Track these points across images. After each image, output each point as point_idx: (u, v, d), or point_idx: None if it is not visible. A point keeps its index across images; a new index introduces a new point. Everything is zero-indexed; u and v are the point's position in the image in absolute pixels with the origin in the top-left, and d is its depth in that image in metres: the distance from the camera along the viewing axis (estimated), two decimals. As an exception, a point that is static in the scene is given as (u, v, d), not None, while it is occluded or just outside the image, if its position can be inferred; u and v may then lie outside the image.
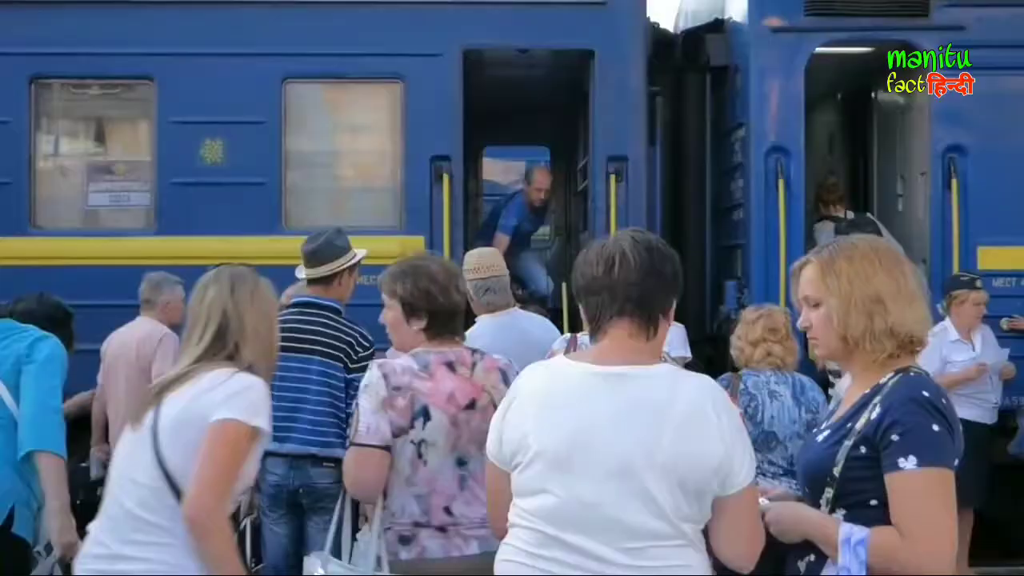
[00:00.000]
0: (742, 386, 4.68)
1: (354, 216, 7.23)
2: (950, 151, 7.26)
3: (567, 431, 2.35)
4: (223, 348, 2.90)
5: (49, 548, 3.43)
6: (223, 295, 2.92)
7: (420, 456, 3.19)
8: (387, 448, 3.17)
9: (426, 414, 3.19)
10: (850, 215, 8.04)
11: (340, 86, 7.36)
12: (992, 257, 7.20)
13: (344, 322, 4.80)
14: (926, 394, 2.39)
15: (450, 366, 3.28)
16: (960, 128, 7.28)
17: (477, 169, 9.86)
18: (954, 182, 7.22)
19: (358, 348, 4.71)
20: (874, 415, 2.41)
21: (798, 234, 7.18)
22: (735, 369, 4.91)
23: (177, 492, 2.72)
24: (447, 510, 3.23)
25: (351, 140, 7.59)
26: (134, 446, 2.82)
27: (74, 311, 4.05)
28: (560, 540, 2.34)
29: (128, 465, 2.82)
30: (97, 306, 6.28)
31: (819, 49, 7.33)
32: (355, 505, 4.75)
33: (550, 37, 7.28)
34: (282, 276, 5.17)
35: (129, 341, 6.01)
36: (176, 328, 6.10)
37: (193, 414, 2.77)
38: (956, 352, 6.61)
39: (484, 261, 5.04)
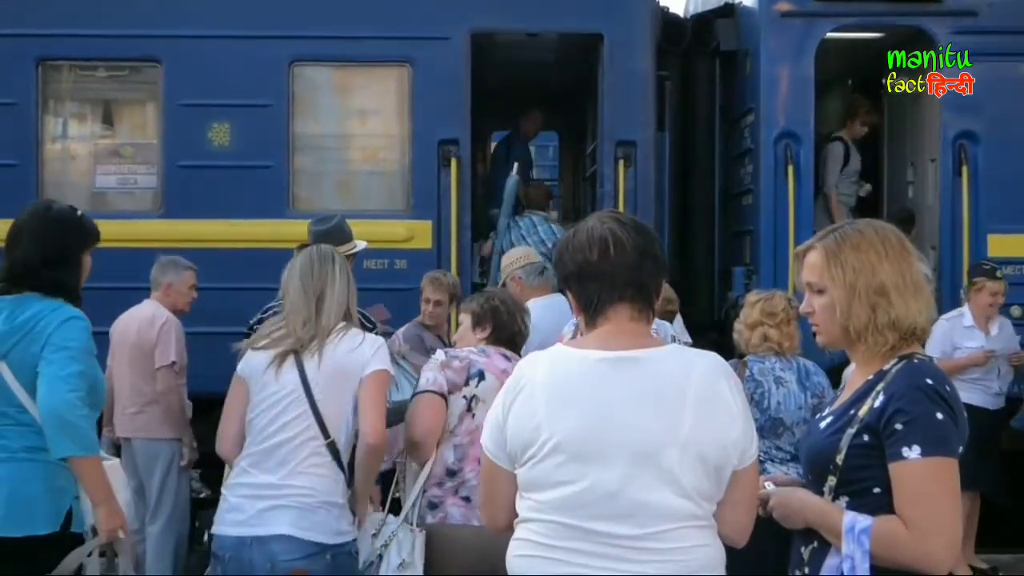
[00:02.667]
0: (748, 372, 4.66)
1: (361, 200, 7.23)
2: (960, 138, 7.22)
3: (585, 420, 2.31)
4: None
5: (94, 530, 3.43)
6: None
7: (469, 410, 3.65)
8: (443, 396, 3.63)
9: (481, 375, 3.69)
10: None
11: (347, 69, 7.34)
12: (1002, 244, 7.17)
13: None
14: (930, 382, 2.37)
15: (505, 356, 3.81)
16: (971, 115, 7.23)
17: (485, 153, 9.83)
18: (964, 169, 7.18)
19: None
20: (877, 403, 2.39)
21: (807, 220, 7.15)
22: (741, 355, 4.89)
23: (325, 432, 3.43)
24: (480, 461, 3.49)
25: (358, 123, 7.57)
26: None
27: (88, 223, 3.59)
28: (583, 529, 2.30)
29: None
30: (104, 289, 6.28)
31: (829, 34, 7.29)
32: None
33: (559, 20, 7.25)
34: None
35: (131, 323, 6.02)
36: (180, 313, 6.10)
37: (348, 369, 3.46)
38: (967, 338, 6.61)
39: (528, 251, 5.75)
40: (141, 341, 5.96)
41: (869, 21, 7.60)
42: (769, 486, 2.57)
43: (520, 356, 3.79)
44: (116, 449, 6.13)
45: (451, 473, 3.62)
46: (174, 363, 5.96)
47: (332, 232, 4.89)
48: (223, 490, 3.53)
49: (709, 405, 2.32)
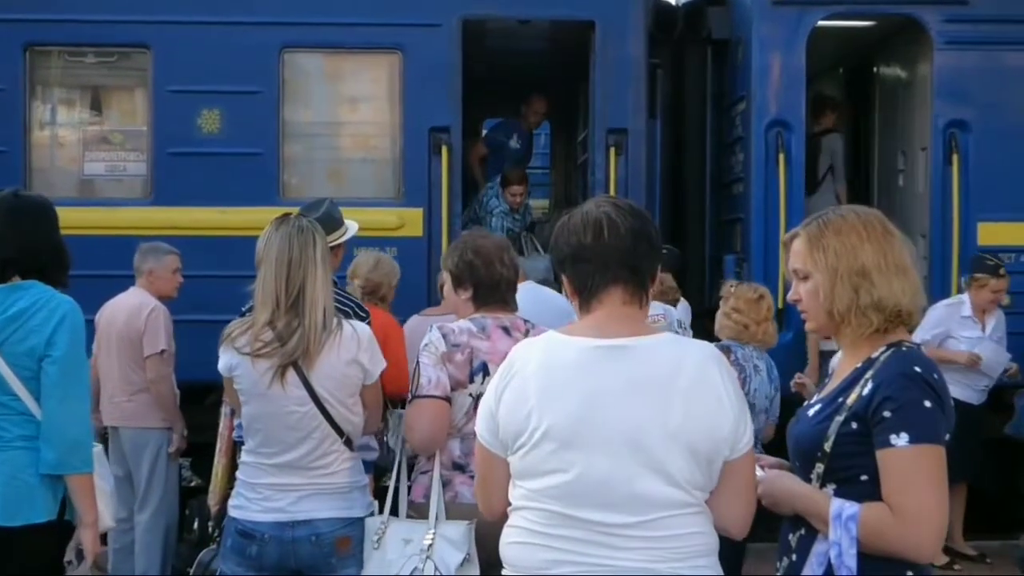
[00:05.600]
0: (732, 357, 4.78)
1: (352, 187, 7.21)
2: (951, 126, 7.23)
3: (575, 408, 2.31)
4: None
5: (80, 556, 3.42)
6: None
7: (477, 407, 3.43)
8: (447, 399, 3.42)
9: (485, 370, 3.45)
10: None
11: (338, 56, 7.30)
12: (992, 233, 7.19)
13: (341, 291, 4.77)
14: (918, 369, 2.37)
15: (505, 330, 3.55)
16: (962, 103, 7.25)
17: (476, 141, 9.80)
18: (955, 157, 7.19)
19: (354, 319, 4.69)
20: (866, 390, 2.39)
21: (798, 208, 7.15)
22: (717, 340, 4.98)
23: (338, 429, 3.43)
24: None
25: (349, 111, 7.54)
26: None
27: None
28: (573, 517, 2.31)
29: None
30: (92, 276, 6.25)
31: (821, 23, 7.28)
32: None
33: (550, 8, 7.23)
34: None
35: (118, 311, 6.00)
36: (166, 299, 6.08)
37: (352, 380, 3.45)
38: (964, 328, 6.63)
39: None
40: (129, 330, 5.93)
41: (860, 9, 7.60)
42: (759, 471, 2.57)
43: (516, 309, 3.69)
44: (102, 437, 6.12)
45: (458, 466, 3.51)
46: (164, 351, 5.94)
47: (323, 221, 4.81)
48: (244, 479, 3.51)
49: (700, 395, 2.31)
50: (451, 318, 3.96)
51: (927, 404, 2.33)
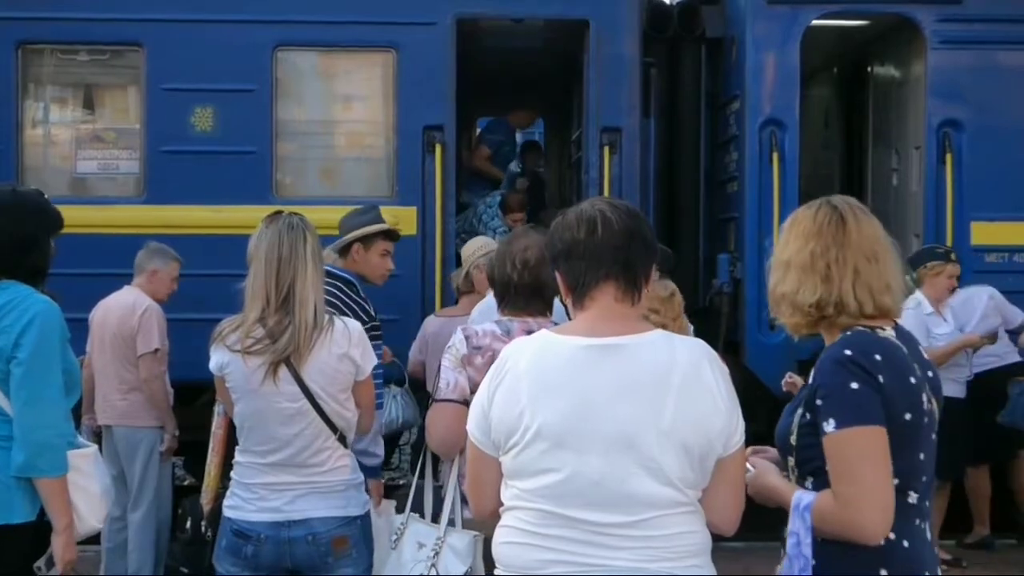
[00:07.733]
0: None
1: (346, 186, 7.20)
2: (945, 125, 7.24)
3: (567, 408, 2.31)
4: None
5: (50, 563, 3.37)
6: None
7: None
8: (466, 403, 3.31)
9: None
10: None
11: (332, 54, 7.30)
12: (986, 232, 7.20)
13: (351, 294, 4.72)
14: (848, 352, 2.37)
15: (530, 333, 3.41)
16: (955, 103, 7.25)
17: (470, 139, 9.80)
18: (948, 157, 7.20)
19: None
20: (811, 379, 2.44)
21: (792, 208, 7.06)
22: None
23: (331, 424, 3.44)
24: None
25: (343, 109, 7.53)
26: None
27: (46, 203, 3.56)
28: (568, 517, 2.31)
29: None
30: (85, 275, 6.25)
31: (815, 22, 7.29)
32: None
33: (545, 6, 7.22)
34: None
35: (112, 310, 6.00)
36: (158, 303, 6.06)
37: (343, 375, 3.46)
38: (935, 326, 6.58)
39: (488, 240, 5.55)
40: (123, 328, 5.93)
41: (855, 9, 7.61)
42: (750, 468, 2.58)
43: (550, 314, 3.63)
44: (97, 437, 6.10)
45: None
46: (157, 350, 5.93)
47: (342, 222, 4.77)
48: (238, 479, 3.51)
49: (693, 393, 2.31)
50: (466, 319, 3.94)
51: (853, 386, 2.32)
